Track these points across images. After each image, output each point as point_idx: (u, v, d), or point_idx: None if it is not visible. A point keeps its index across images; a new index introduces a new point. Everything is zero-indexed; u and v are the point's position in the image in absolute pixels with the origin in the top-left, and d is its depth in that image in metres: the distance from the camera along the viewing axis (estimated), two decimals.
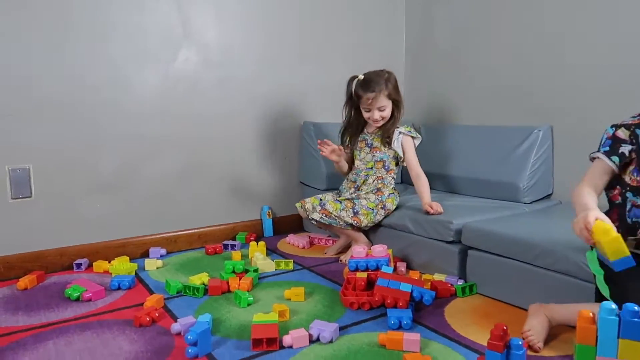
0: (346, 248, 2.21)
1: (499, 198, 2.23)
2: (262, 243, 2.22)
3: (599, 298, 1.26)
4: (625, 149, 1.30)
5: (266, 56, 2.51)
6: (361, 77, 2.09)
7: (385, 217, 2.11)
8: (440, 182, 2.50)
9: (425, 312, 1.60)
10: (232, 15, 2.40)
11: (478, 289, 1.76)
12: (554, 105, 2.23)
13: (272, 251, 2.31)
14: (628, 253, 1.01)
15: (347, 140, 2.23)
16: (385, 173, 2.17)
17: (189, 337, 1.31)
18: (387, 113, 2.09)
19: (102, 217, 2.16)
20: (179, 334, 1.45)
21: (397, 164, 2.20)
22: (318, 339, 1.40)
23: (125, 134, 2.17)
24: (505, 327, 1.17)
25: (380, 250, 1.83)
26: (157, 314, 1.55)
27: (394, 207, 2.13)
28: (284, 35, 2.56)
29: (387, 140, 2.14)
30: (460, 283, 1.77)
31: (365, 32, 2.84)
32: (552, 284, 1.52)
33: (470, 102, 2.62)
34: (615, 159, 1.30)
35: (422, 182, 2.11)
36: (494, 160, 2.29)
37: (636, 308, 0.99)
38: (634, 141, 1.29)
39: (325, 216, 2.09)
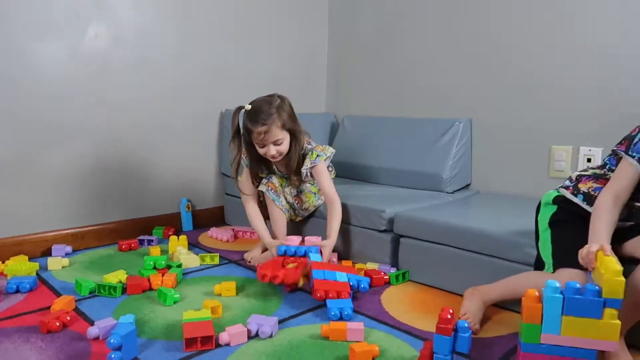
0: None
1: (423, 188, 2.28)
2: (183, 237, 2.06)
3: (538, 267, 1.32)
4: None
5: (187, 38, 2.34)
6: (248, 107, 1.79)
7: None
8: (366, 173, 2.50)
9: (363, 301, 1.57)
10: None
11: (410, 276, 1.77)
12: (473, 98, 2.32)
13: (193, 246, 2.16)
14: (621, 297, 0.99)
15: (256, 180, 1.97)
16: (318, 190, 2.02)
17: (111, 340, 1.16)
18: (285, 146, 1.82)
19: None
20: (96, 338, 1.28)
21: None
22: (257, 335, 1.31)
23: (23, 117, 1.90)
24: (452, 311, 1.16)
25: (314, 240, 1.78)
26: (68, 318, 1.36)
27: None
28: (206, 16, 2.40)
29: (297, 181, 1.93)
30: (393, 271, 1.77)
31: (290, 20, 2.77)
32: (483, 267, 1.56)
33: (393, 95, 2.65)
34: None
35: (334, 212, 1.85)
36: (417, 151, 2.34)
37: (578, 285, 1.02)
38: None
39: (271, 189, 1.93)
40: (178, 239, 2.05)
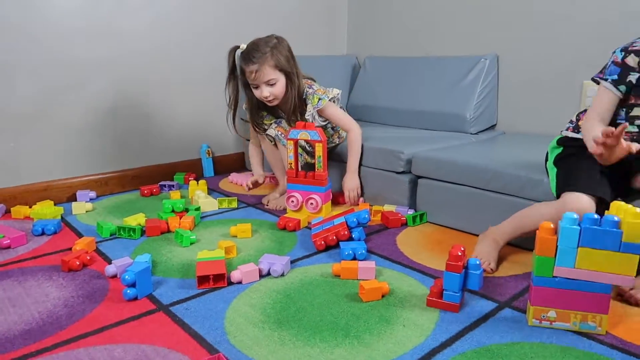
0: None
1: (446, 129, 2.20)
2: (202, 182, 2.08)
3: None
4: (633, 77, 1.22)
5: None
6: (243, 46, 1.76)
7: (338, 144, 2.02)
8: (387, 115, 2.43)
9: (378, 242, 1.56)
10: None
11: (428, 218, 1.74)
12: (500, 33, 2.19)
13: (213, 190, 2.18)
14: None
15: (266, 123, 1.93)
16: (331, 134, 1.98)
17: (126, 277, 1.19)
18: (279, 88, 1.76)
19: (18, 157, 1.92)
20: (114, 276, 1.32)
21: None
22: (269, 274, 1.33)
23: (42, 58, 1.90)
24: (463, 249, 1.13)
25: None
26: (88, 257, 1.41)
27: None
28: None
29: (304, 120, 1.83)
30: (411, 212, 1.74)
31: None
32: (503, 207, 1.50)
33: (417, 33, 2.53)
34: (623, 88, 1.24)
35: (352, 137, 1.87)
36: (440, 91, 2.25)
37: (595, 216, 0.97)
38: None
39: (281, 134, 1.89)
40: (198, 183, 2.07)
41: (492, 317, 1.11)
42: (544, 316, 1.05)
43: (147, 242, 1.58)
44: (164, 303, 1.19)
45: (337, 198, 1.93)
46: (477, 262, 1.14)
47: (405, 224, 1.71)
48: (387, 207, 1.80)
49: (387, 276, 1.31)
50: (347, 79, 2.73)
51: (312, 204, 1.78)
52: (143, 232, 1.64)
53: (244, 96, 1.90)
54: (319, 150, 1.75)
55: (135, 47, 2.13)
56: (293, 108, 1.83)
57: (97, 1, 2.00)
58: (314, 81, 1.91)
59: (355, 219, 1.52)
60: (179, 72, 2.28)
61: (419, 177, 1.78)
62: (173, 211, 1.80)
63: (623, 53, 1.24)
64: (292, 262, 1.41)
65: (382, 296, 1.20)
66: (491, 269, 1.32)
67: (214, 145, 2.47)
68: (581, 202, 1.15)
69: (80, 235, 1.64)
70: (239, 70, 1.80)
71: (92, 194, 2.04)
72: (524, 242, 1.45)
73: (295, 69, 1.80)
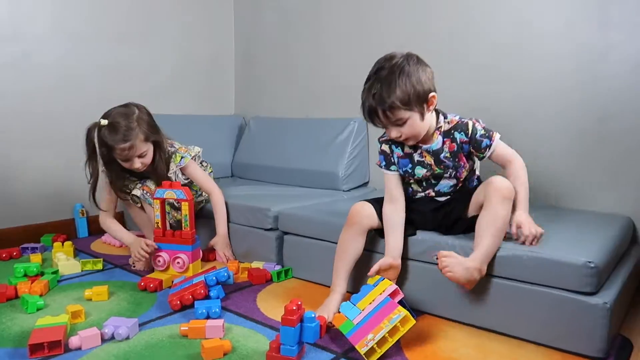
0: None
1: (321, 187, 2.31)
2: (68, 243, 1.99)
3: None
4: (394, 158, 1.50)
5: (75, 34, 2.28)
6: (104, 122, 1.71)
7: (205, 202, 2.05)
8: (269, 174, 2.51)
9: (238, 299, 1.57)
10: None
11: (294, 273, 1.78)
12: None
13: (82, 252, 2.09)
14: None
15: (126, 190, 1.91)
16: (198, 188, 2.02)
17: None
18: (149, 158, 1.80)
19: None
20: None
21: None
22: (113, 337, 1.28)
23: None
24: (299, 302, 1.18)
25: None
26: None
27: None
28: (91, 13, 2.33)
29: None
30: (277, 268, 1.78)
31: (194, 19, 2.76)
32: (364, 261, 1.54)
33: (299, 96, 2.68)
34: (394, 167, 1.51)
35: (216, 201, 1.93)
36: (316, 151, 2.37)
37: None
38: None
39: (147, 193, 1.88)
40: (63, 245, 1.98)
41: None
42: (367, 342, 1.16)
43: None
44: None
45: (208, 256, 1.93)
46: (312, 315, 1.18)
47: (270, 280, 1.74)
48: (255, 264, 1.83)
49: (236, 333, 1.32)
50: (233, 138, 2.81)
51: (178, 263, 1.76)
52: None
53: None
54: (185, 209, 1.76)
55: None
56: (162, 173, 1.85)
57: None
58: (172, 139, 1.95)
59: (214, 277, 1.53)
60: (46, 128, 2.23)
61: (286, 233, 1.83)
62: (26, 275, 1.70)
63: (380, 143, 1.52)
64: (144, 323, 1.37)
65: (224, 354, 1.20)
66: None
67: (89, 205, 2.38)
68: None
69: None
70: (104, 147, 1.75)
71: None
72: None
73: (160, 135, 1.83)
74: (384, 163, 1.52)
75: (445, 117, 1.44)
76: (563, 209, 1.79)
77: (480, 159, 1.46)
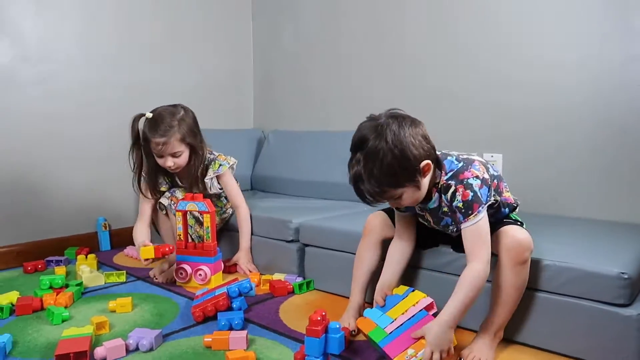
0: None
1: (340, 199, 2.30)
2: (92, 256, 2.02)
3: None
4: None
5: (101, 55, 2.33)
6: (149, 115, 1.79)
7: (231, 214, 2.06)
8: (288, 186, 2.51)
9: (260, 312, 1.56)
10: (57, 5, 2.18)
11: (315, 285, 1.77)
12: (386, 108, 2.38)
13: (106, 265, 2.11)
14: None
15: (158, 188, 1.94)
16: (224, 204, 2.06)
17: None
18: (183, 160, 1.83)
19: None
20: None
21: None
22: (137, 348, 1.28)
23: None
24: (323, 313, 1.17)
25: None
26: None
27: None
28: (117, 33, 2.40)
29: (203, 191, 1.88)
30: (299, 280, 1.77)
31: (215, 38, 2.80)
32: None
33: (318, 109, 2.70)
34: (403, 209, 1.37)
35: (242, 216, 1.94)
36: (335, 163, 2.36)
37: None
38: None
39: (174, 203, 1.89)
40: (86, 258, 2.00)
41: None
42: (407, 357, 1.10)
43: (15, 321, 1.49)
44: None
45: (230, 268, 1.93)
46: (337, 326, 1.17)
47: (292, 292, 1.73)
48: (277, 276, 1.82)
49: (260, 345, 1.31)
50: (252, 151, 2.82)
51: (200, 275, 1.77)
52: (13, 311, 1.55)
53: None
54: (207, 221, 1.77)
55: (19, 121, 2.11)
56: (195, 178, 1.87)
57: None
58: (210, 147, 2.00)
59: (237, 289, 1.53)
60: (71, 145, 2.27)
61: (307, 245, 1.83)
62: (51, 287, 1.71)
63: None
64: (168, 335, 1.38)
65: None
66: None
67: (112, 219, 2.42)
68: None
69: None
70: (143, 138, 1.82)
71: None
72: None
73: (200, 141, 1.87)
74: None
75: (441, 173, 1.25)
76: (590, 220, 1.76)
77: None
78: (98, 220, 2.35)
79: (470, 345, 1.24)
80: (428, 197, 1.26)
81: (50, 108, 2.19)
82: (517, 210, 1.39)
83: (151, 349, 1.28)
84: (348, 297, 1.65)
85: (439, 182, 1.25)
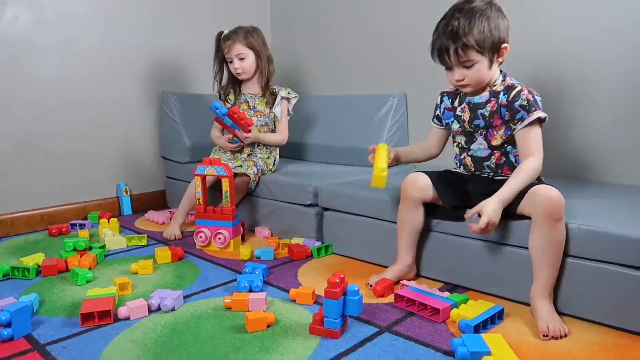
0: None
1: (359, 164, 2.28)
2: (113, 220, 2.05)
3: None
4: (438, 111, 1.55)
5: (116, 17, 2.31)
6: (226, 31, 2.09)
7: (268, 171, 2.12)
8: (305, 151, 2.50)
9: (279, 274, 1.57)
10: None
11: (334, 249, 1.78)
12: (408, 74, 2.32)
13: (127, 229, 2.14)
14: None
15: (230, 98, 2.17)
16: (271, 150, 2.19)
17: (1, 317, 1.15)
18: (248, 63, 2.06)
19: None
20: None
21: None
22: (159, 309, 1.31)
23: None
24: (342, 275, 1.17)
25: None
26: None
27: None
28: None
29: (271, 102, 2.13)
30: (317, 245, 1.77)
31: (233, 7, 2.74)
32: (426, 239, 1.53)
33: (333, 72, 2.65)
34: (436, 120, 1.57)
35: (278, 136, 2.17)
36: (353, 127, 2.34)
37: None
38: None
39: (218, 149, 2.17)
40: (109, 222, 2.03)
41: (369, 342, 1.14)
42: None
43: (41, 282, 1.53)
44: (41, 342, 1.15)
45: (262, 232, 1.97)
46: (356, 288, 1.17)
47: (310, 256, 1.73)
48: (295, 240, 1.83)
49: (279, 307, 1.33)
50: None
51: (220, 238, 1.78)
52: (39, 272, 1.59)
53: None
54: (226, 185, 1.77)
55: (43, 85, 2.11)
56: (267, 83, 2.11)
57: (5, 41, 1.99)
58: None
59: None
60: (91, 109, 2.27)
61: (326, 209, 1.82)
62: (75, 249, 1.75)
63: (439, 95, 1.56)
64: (188, 296, 1.40)
65: (268, 326, 1.21)
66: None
67: (133, 184, 2.45)
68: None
69: None
70: (220, 49, 2.09)
71: None
72: (430, 272, 1.52)
73: (266, 53, 2.09)
74: (433, 115, 1.57)
75: (503, 79, 1.37)
76: (613, 185, 1.71)
77: (512, 130, 1.34)
78: (119, 185, 2.38)
79: (539, 317, 1.18)
80: (477, 92, 1.39)
81: (70, 72, 2.18)
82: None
83: (173, 309, 1.30)
84: (367, 262, 1.67)
85: (495, 86, 1.36)
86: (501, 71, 1.39)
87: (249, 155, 2.10)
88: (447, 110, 1.50)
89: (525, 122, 1.29)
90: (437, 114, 1.55)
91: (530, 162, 1.27)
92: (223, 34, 2.09)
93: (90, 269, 1.60)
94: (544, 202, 1.19)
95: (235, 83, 2.17)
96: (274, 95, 2.14)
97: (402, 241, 1.48)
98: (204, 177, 1.81)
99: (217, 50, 2.11)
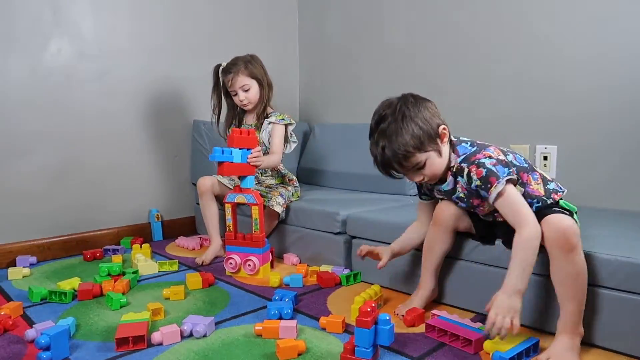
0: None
1: (386, 192, 2.29)
2: (146, 245, 2.10)
3: None
4: (423, 189, 1.52)
5: (152, 49, 2.41)
6: (224, 64, 2.09)
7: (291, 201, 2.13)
8: (334, 179, 2.52)
9: (309, 302, 1.58)
10: (112, 3, 2.26)
11: (362, 277, 1.77)
12: (443, 100, 2.34)
13: (158, 254, 2.18)
14: None
15: (229, 130, 2.17)
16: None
17: (41, 340, 1.18)
18: (253, 93, 2.07)
19: None
20: (33, 340, 1.30)
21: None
22: (192, 334, 1.33)
23: None
24: (373, 304, 1.17)
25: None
26: (10, 322, 1.39)
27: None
28: (171, 28, 2.47)
29: (262, 123, 2.13)
30: (346, 272, 1.78)
31: (259, 31, 2.83)
32: (451, 267, 1.53)
33: (360, 101, 2.69)
34: (425, 197, 1.53)
35: (273, 157, 2.08)
36: None
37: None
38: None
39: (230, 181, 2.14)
40: (141, 247, 2.08)
41: None
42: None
43: (77, 306, 1.57)
44: None
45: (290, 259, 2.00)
46: (387, 318, 1.17)
47: (339, 284, 1.74)
48: (324, 268, 1.83)
49: (309, 335, 1.33)
50: (298, 144, 2.83)
51: (249, 265, 1.80)
52: (75, 296, 1.63)
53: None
54: (255, 213, 1.80)
55: (80, 115, 2.20)
56: (264, 108, 2.12)
57: (44, 75, 2.09)
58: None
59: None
60: (127, 139, 2.36)
61: (354, 237, 1.83)
62: (109, 275, 1.79)
63: None
64: (219, 322, 1.41)
65: (299, 354, 1.21)
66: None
67: (164, 210, 2.51)
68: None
69: (9, 300, 1.62)
70: (221, 83, 2.10)
71: (33, 259, 2.03)
72: (456, 301, 1.51)
73: (267, 80, 2.11)
74: (418, 193, 1.55)
75: (456, 155, 1.32)
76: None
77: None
78: (151, 211, 2.44)
79: (549, 349, 1.17)
80: (443, 179, 1.34)
81: (108, 103, 2.28)
82: (562, 196, 1.32)
83: (204, 335, 1.32)
84: (395, 290, 1.66)
85: (453, 166, 1.32)
86: (452, 143, 1.33)
87: (268, 187, 2.13)
88: (428, 190, 1.48)
89: (491, 200, 1.23)
90: (424, 191, 1.50)
91: (523, 235, 1.17)
92: (222, 67, 2.09)
93: (124, 293, 1.64)
94: (553, 233, 1.16)
95: (236, 114, 2.18)
96: (263, 120, 2.13)
97: (428, 267, 1.48)
98: (234, 205, 1.84)
99: (216, 84, 2.11)
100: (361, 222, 1.79)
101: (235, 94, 2.07)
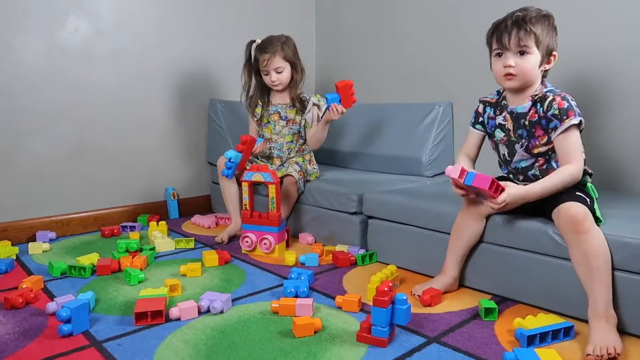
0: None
1: (403, 173, 2.27)
2: (162, 223, 2.11)
3: None
4: (484, 119, 1.53)
5: (167, 28, 2.39)
6: (258, 41, 2.09)
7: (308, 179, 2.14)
8: (349, 160, 2.50)
9: (324, 281, 1.58)
10: None
11: (378, 258, 1.77)
12: (454, 83, 2.30)
13: (175, 232, 2.20)
14: None
15: (257, 110, 2.16)
16: (303, 143, 2.21)
17: (62, 313, 1.20)
18: (285, 76, 2.07)
19: None
20: (54, 313, 1.33)
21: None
22: (209, 310, 1.34)
23: (4, 105, 1.97)
24: (390, 284, 1.17)
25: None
26: (32, 295, 1.42)
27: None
28: (188, 7, 2.45)
29: (302, 111, 2.15)
30: (361, 252, 1.77)
31: (274, 9, 2.79)
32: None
33: (380, 81, 2.65)
34: (479, 126, 1.54)
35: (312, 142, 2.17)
36: (398, 136, 2.33)
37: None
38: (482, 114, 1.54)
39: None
40: (158, 225, 2.10)
41: (417, 352, 1.13)
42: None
43: (96, 281, 1.59)
44: (98, 339, 1.20)
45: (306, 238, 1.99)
46: (404, 297, 1.17)
47: (354, 264, 1.73)
48: (339, 248, 1.83)
49: (325, 313, 1.33)
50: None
51: (265, 244, 1.81)
52: (94, 272, 1.65)
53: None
54: (272, 191, 1.80)
55: (97, 93, 2.20)
56: (297, 93, 2.14)
57: (62, 52, 2.09)
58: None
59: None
60: (142, 116, 2.36)
61: (370, 217, 1.82)
62: (127, 251, 1.82)
63: (479, 103, 1.55)
64: (235, 299, 1.43)
65: (315, 332, 1.21)
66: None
67: (180, 189, 2.52)
68: None
69: (30, 274, 1.65)
70: (254, 60, 2.09)
71: (52, 235, 2.06)
72: (476, 283, 1.49)
73: (299, 64, 2.11)
74: (472, 120, 1.56)
75: (543, 86, 1.38)
76: None
77: (551, 139, 1.34)
78: (167, 189, 2.45)
79: (590, 339, 1.12)
80: (520, 101, 1.39)
81: (123, 80, 2.27)
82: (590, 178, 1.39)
83: (222, 312, 1.33)
84: (411, 271, 1.66)
85: (536, 95, 1.36)
86: (542, 79, 1.40)
87: (286, 160, 2.15)
88: (490, 119, 1.50)
89: (559, 131, 1.30)
90: (481, 121, 1.53)
91: (567, 168, 1.29)
92: (256, 44, 2.09)
93: (141, 269, 1.66)
94: (563, 219, 1.22)
95: (264, 93, 2.17)
96: (302, 102, 2.14)
97: (454, 253, 1.47)
98: (251, 183, 1.84)
99: (248, 60, 2.11)
100: (377, 202, 1.78)
101: (267, 74, 2.07)
